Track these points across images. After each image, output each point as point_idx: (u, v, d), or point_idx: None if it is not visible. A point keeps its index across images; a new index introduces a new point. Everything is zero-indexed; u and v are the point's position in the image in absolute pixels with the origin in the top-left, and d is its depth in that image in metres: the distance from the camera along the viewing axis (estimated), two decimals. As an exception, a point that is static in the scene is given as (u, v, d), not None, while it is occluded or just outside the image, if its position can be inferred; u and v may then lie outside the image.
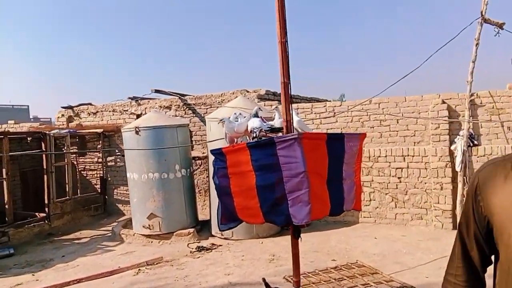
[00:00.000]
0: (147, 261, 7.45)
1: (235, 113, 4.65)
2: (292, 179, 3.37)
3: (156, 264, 7.41)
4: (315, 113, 9.96)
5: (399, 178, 8.81)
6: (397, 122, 9.05)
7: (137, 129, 8.54)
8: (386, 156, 8.94)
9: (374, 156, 9.05)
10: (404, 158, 8.78)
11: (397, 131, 9.05)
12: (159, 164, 8.58)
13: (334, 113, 9.74)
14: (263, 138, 4.05)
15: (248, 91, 10.73)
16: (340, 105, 9.75)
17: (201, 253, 7.85)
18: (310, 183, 3.33)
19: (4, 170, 9.38)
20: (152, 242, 8.91)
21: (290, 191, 3.38)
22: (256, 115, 4.23)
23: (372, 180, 9.06)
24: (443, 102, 8.60)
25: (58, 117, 13.10)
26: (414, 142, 8.87)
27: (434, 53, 8.16)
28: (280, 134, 3.95)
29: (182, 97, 11.45)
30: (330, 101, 10.89)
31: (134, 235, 9.11)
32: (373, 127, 9.29)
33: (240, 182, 3.70)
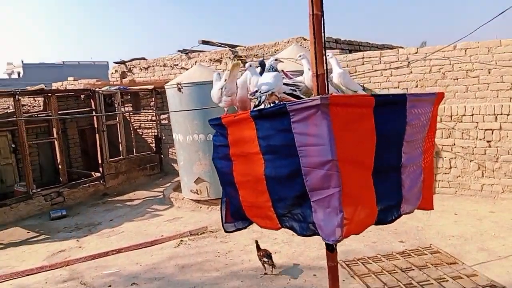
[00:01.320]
0: (190, 231, 6.89)
1: (216, 73, 3.34)
2: (314, 171, 2.27)
3: (200, 234, 6.83)
4: (384, 63, 8.47)
5: (488, 141, 7.24)
6: (489, 73, 7.34)
7: (179, 85, 7.74)
8: (472, 115, 7.35)
9: (457, 114, 7.50)
10: (496, 117, 7.14)
11: (488, 83, 7.36)
12: (205, 124, 7.77)
13: (408, 62, 8.19)
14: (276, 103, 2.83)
15: (305, 39, 9.41)
16: (416, 52, 8.14)
17: (250, 223, 7.14)
18: (342, 178, 2.23)
19: (54, 130, 9.21)
20: (201, 207, 8.37)
21: (313, 189, 2.31)
22: (272, 69, 2.83)
23: (454, 144, 7.57)
24: (555, 46, 6.73)
25: (112, 73, 12.80)
26: (510, 98, 7.15)
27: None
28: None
29: (233, 49, 10.42)
30: (403, 48, 9.25)
31: (183, 199, 8.63)
32: (457, 79, 7.67)
33: (245, 169, 2.70)
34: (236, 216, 2.96)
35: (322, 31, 2.53)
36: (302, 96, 2.93)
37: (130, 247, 6.45)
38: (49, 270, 5.86)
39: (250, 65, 3.03)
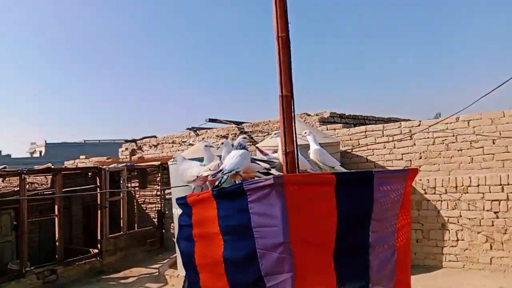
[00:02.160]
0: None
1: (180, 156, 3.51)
2: (268, 253, 2.17)
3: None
4: (387, 136, 8.39)
5: (495, 212, 6.83)
6: (493, 143, 7.15)
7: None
8: (478, 186, 7.02)
9: (462, 185, 7.18)
10: (502, 188, 6.79)
11: (493, 154, 7.13)
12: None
13: (411, 135, 8.08)
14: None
15: (309, 115, 9.51)
16: (419, 125, 8.06)
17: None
18: (296, 261, 2.11)
19: (56, 207, 9.17)
20: (196, 286, 7.89)
21: (267, 273, 2.18)
22: (240, 146, 2.80)
23: (460, 216, 7.15)
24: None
25: (122, 151, 13.05)
26: (517, 168, 6.85)
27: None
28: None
29: (239, 126, 10.60)
30: (408, 120, 9.21)
31: (178, 276, 8.20)
32: (461, 150, 7.46)
33: (206, 250, 2.60)
34: None
35: (292, 110, 2.59)
36: (278, 173, 2.88)
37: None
38: None
39: (222, 143, 3.15)
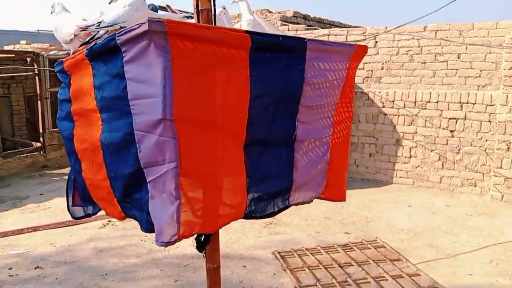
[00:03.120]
0: (122, 211, 6.23)
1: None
2: (147, 136, 1.58)
3: (133, 215, 6.18)
4: (350, 42, 7.88)
5: (451, 131, 6.78)
6: (458, 58, 6.85)
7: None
8: (437, 102, 6.87)
9: (421, 101, 7.01)
10: (461, 106, 6.68)
11: (456, 69, 6.87)
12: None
13: (376, 41, 7.62)
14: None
15: (270, 12, 8.72)
16: (385, 31, 7.54)
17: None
18: (180, 148, 1.54)
19: (-11, 93, 8.34)
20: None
21: (147, 163, 1.62)
22: None
23: (416, 132, 7.10)
24: (528, 32, 6.25)
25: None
26: (478, 86, 6.69)
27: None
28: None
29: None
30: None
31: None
32: (424, 63, 7.16)
33: (84, 132, 2.03)
34: (84, 198, 2.28)
35: None
36: None
37: (50, 225, 5.76)
38: (-51, 246, 5.14)
39: None
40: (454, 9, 5.33)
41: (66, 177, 7.27)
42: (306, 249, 4.84)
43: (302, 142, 1.96)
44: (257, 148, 1.81)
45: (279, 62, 1.77)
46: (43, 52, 9.37)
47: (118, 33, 1.58)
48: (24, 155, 8.92)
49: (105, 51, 1.71)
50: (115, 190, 1.89)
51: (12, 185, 7.92)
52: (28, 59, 10.05)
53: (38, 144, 9.29)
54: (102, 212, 2.40)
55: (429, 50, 7.06)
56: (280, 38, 1.76)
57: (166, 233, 1.58)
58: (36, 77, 9.16)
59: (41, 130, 9.23)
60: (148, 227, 1.76)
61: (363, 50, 2.14)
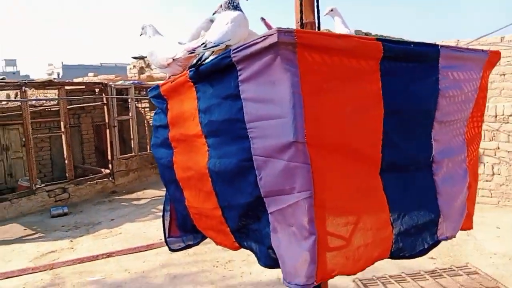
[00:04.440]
0: (191, 236, 6.20)
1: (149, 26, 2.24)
2: (269, 161, 1.39)
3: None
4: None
5: (540, 146, 6.19)
6: (543, 66, 6.30)
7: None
8: (521, 115, 6.32)
9: (503, 114, 6.48)
10: (550, 118, 6.10)
11: (541, 79, 6.31)
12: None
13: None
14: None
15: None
16: (457, 44, 7.14)
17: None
18: (317, 175, 1.34)
19: (62, 123, 8.78)
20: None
21: (269, 192, 1.42)
22: (233, 5, 1.79)
23: (498, 148, 6.54)
24: None
25: (130, 69, 12.38)
26: None
27: None
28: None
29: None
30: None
31: (190, 200, 7.96)
32: (504, 75, 6.67)
33: (187, 160, 1.88)
34: (184, 228, 2.17)
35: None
36: None
37: (123, 251, 5.82)
38: (31, 273, 5.30)
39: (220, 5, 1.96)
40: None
41: (134, 202, 7.36)
42: (390, 276, 4.49)
43: (440, 164, 1.70)
44: (395, 173, 1.57)
45: (411, 72, 1.56)
46: (110, 83, 9.80)
47: (233, 50, 1.45)
48: (95, 181, 9.25)
49: (214, 71, 1.58)
50: (229, 220, 1.75)
51: (85, 211, 8.19)
52: (97, 90, 10.59)
53: (107, 171, 9.62)
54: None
55: (508, 61, 6.57)
56: (412, 46, 1.55)
57: (301, 274, 1.38)
58: (105, 107, 9.56)
59: (109, 157, 9.56)
60: (268, 262, 1.60)
61: (496, 56, 1.92)
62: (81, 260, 5.58)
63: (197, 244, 2.31)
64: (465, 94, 1.75)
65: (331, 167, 1.41)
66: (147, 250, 5.87)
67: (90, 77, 13.27)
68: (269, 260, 1.58)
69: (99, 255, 5.70)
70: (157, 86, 2.02)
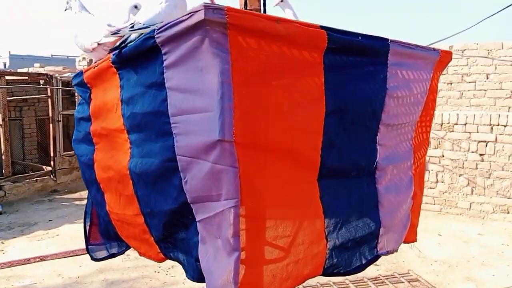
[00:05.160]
0: (134, 239, 5.91)
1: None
2: (195, 163, 1.20)
3: (146, 243, 5.85)
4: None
5: (481, 155, 6.41)
6: (487, 78, 6.54)
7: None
8: (465, 124, 6.51)
9: (448, 123, 6.66)
10: (491, 128, 6.31)
11: (485, 90, 6.57)
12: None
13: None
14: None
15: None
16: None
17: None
18: (245, 180, 1.14)
19: (0, 116, 8.19)
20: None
21: (196, 198, 1.24)
22: None
23: (442, 156, 6.73)
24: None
25: (79, 61, 11.75)
26: (509, 107, 6.35)
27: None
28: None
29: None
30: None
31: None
32: (450, 83, 6.86)
33: (108, 158, 1.68)
34: (107, 235, 1.96)
35: None
36: None
37: (58, 254, 5.46)
38: (-48, 277, 4.84)
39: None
40: (480, 28, 5.05)
41: (76, 203, 6.93)
42: (334, 282, 4.45)
43: (384, 171, 1.55)
44: (334, 180, 1.41)
45: (357, 67, 1.41)
46: (56, 75, 9.27)
47: (157, 30, 1.26)
48: (34, 179, 8.70)
49: (138, 54, 1.37)
50: (152, 228, 1.56)
51: (21, 211, 7.65)
52: (41, 82, 9.99)
53: (49, 168, 9.09)
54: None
55: (455, 70, 6.77)
56: (360, 38, 1.39)
57: None
58: (49, 100, 9.03)
59: (52, 154, 9.04)
60: (197, 275, 1.43)
61: (448, 56, 1.80)
62: (10, 264, 5.16)
63: (123, 253, 2.12)
64: (414, 95, 1.63)
65: (263, 171, 1.25)
66: (85, 254, 5.48)
67: (36, 68, 12.52)
68: (197, 273, 1.42)
69: (31, 259, 5.30)
70: (81, 73, 1.80)
